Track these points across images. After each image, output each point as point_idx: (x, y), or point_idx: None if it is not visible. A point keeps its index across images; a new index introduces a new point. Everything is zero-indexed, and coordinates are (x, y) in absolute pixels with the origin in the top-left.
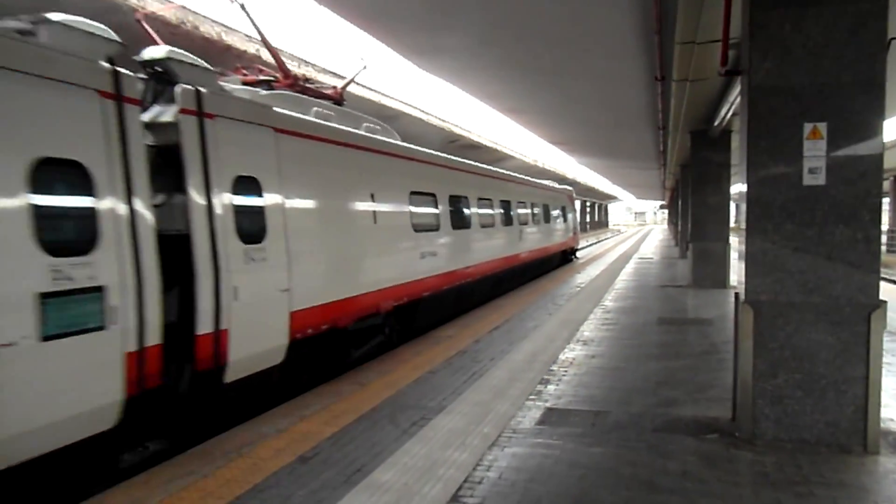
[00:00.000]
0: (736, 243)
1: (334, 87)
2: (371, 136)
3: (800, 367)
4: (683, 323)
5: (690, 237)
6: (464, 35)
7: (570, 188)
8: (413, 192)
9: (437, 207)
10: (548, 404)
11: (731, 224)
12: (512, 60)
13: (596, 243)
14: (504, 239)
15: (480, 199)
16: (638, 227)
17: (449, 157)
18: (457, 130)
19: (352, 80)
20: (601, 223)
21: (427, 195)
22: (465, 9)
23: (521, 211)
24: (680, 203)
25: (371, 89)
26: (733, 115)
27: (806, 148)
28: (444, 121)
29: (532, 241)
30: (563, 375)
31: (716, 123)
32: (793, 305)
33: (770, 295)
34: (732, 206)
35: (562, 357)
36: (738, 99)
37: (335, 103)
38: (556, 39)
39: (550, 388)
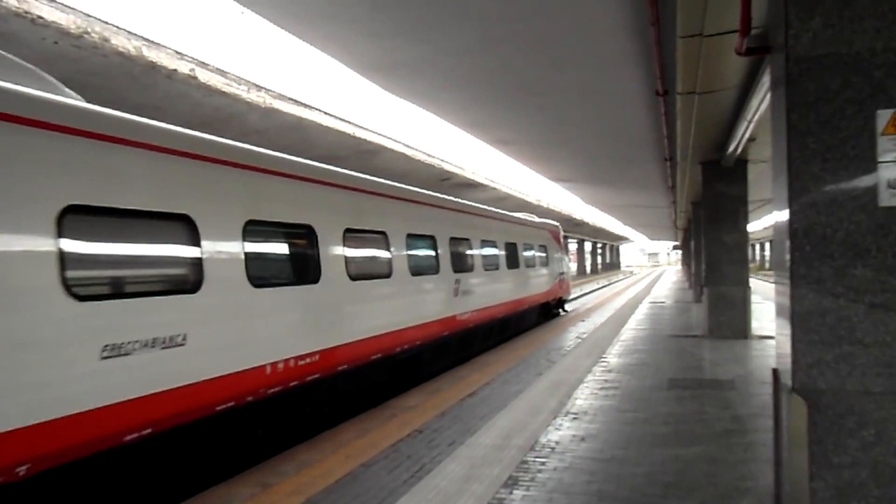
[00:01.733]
0: (763, 289)
1: None
2: None
3: (887, 496)
4: (699, 386)
5: (705, 280)
6: (418, 43)
7: (554, 223)
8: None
9: (224, 240)
10: None
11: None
12: (486, 77)
13: (607, 286)
14: (410, 297)
15: (351, 231)
16: (651, 269)
17: (237, 145)
18: (447, 167)
19: None
20: (613, 265)
21: (179, 222)
22: (410, 6)
23: (448, 251)
24: (693, 243)
25: (345, 121)
26: (750, 139)
27: (882, 148)
28: (431, 156)
29: (479, 296)
30: (539, 471)
31: (729, 150)
32: (871, 397)
33: (834, 380)
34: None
35: (542, 440)
36: (769, 95)
37: None
38: (531, 43)
39: (517, 494)
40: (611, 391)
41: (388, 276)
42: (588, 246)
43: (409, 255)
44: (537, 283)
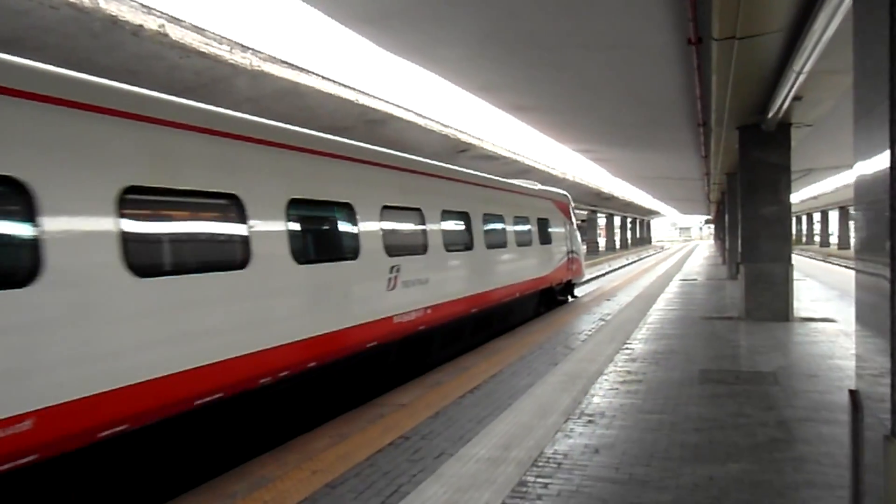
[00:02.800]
0: (801, 264)
1: None
2: None
3: None
4: (735, 380)
5: (742, 257)
6: None
7: (562, 192)
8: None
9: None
10: None
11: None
12: (490, 26)
13: (636, 261)
14: (298, 296)
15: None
16: (683, 243)
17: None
18: (465, 138)
19: None
20: (643, 240)
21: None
22: None
23: (380, 227)
24: (727, 216)
25: (348, 86)
26: (795, 98)
27: None
28: (446, 126)
29: (435, 288)
30: (539, 498)
31: (771, 112)
32: None
33: None
34: (829, 214)
35: (548, 451)
36: (842, 6)
37: None
38: None
39: None
40: (633, 386)
41: (241, 266)
42: (617, 220)
43: (295, 234)
44: (535, 265)
